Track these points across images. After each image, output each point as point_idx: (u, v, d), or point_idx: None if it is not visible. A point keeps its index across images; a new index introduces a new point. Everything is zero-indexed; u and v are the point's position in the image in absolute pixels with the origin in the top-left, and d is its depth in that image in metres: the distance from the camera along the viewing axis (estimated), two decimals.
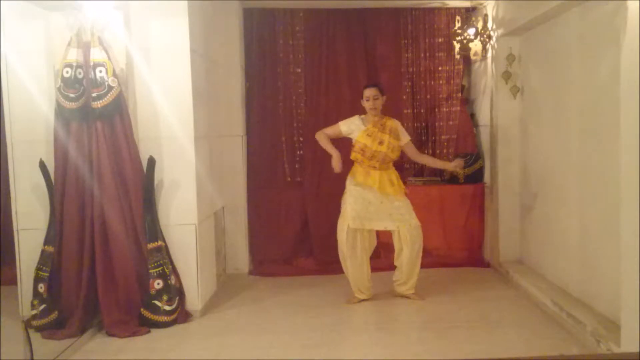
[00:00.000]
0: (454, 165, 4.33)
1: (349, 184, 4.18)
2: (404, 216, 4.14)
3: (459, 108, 5.48)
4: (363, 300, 4.28)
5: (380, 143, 4.08)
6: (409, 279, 4.27)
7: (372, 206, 4.10)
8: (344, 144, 4.30)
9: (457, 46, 5.29)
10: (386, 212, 4.12)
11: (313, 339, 3.64)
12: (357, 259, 4.17)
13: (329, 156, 4.13)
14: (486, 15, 5.08)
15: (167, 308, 3.81)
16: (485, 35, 5.08)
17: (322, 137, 4.21)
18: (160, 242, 3.85)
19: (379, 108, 4.15)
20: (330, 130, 4.24)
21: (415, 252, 4.19)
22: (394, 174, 4.18)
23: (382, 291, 4.46)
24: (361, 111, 4.28)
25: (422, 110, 5.55)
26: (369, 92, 4.14)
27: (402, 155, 5.47)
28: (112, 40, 3.80)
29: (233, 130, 5.13)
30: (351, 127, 4.18)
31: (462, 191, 5.28)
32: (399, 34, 5.45)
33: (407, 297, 4.31)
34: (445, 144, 5.51)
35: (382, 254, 5.18)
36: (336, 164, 4.06)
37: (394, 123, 4.22)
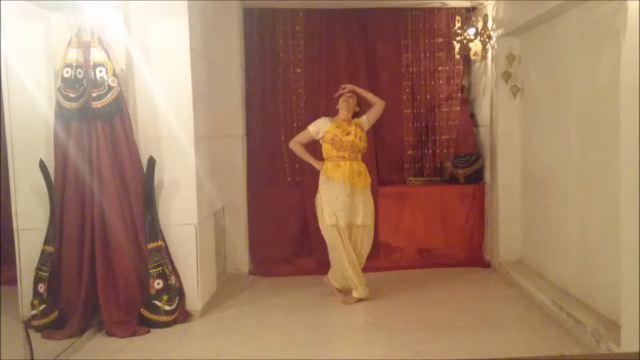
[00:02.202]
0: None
1: (321, 184, 4.23)
2: (367, 212, 4.20)
3: (459, 108, 5.48)
4: (360, 300, 4.27)
5: (348, 134, 4.18)
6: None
7: (347, 201, 4.14)
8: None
9: (457, 46, 5.29)
10: (357, 206, 4.18)
11: (313, 339, 3.64)
12: (350, 254, 4.18)
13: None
14: (486, 15, 5.08)
15: (167, 308, 3.81)
16: (485, 35, 5.08)
17: (297, 147, 4.37)
18: (160, 242, 3.85)
19: (350, 105, 4.27)
20: (300, 137, 4.38)
21: (365, 251, 4.29)
22: (362, 166, 4.26)
23: (382, 291, 4.47)
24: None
25: (422, 110, 5.55)
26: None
27: (401, 155, 5.52)
28: (112, 40, 3.80)
29: (233, 130, 5.13)
30: (318, 125, 4.29)
31: (462, 191, 5.28)
32: (399, 34, 5.45)
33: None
34: (445, 144, 5.52)
35: (382, 254, 5.19)
36: (318, 165, 4.29)
37: (358, 120, 4.31)
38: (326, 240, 4.24)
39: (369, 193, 4.28)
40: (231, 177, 5.12)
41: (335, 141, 4.17)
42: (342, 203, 4.11)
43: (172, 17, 3.89)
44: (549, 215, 4.37)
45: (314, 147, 4.44)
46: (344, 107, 4.27)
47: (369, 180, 4.29)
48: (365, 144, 4.29)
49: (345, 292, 4.36)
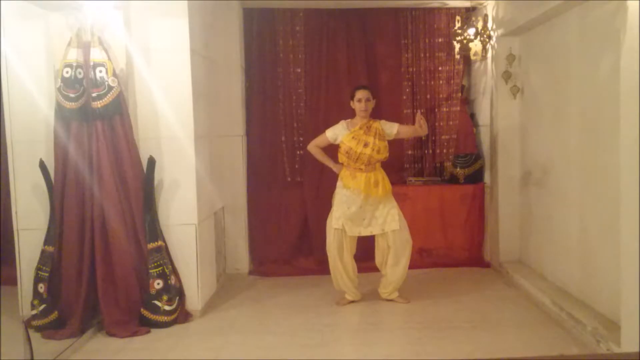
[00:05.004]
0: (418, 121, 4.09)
1: (338, 187, 4.19)
2: (386, 218, 4.09)
3: (459, 108, 5.48)
4: (352, 301, 4.26)
5: (365, 145, 4.06)
6: (390, 283, 4.19)
7: (358, 212, 4.07)
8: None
9: (457, 46, 5.28)
10: (371, 216, 4.09)
11: (313, 339, 3.64)
12: (345, 260, 4.14)
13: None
14: (486, 15, 5.08)
15: (167, 308, 3.81)
16: (485, 35, 5.08)
17: (315, 150, 4.28)
18: (160, 242, 3.85)
19: (369, 110, 4.13)
20: (318, 141, 4.27)
21: (400, 257, 4.10)
22: (380, 175, 4.13)
23: None
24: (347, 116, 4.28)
25: (422, 110, 5.52)
26: (362, 94, 4.11)
27: (401, 155, 5.52)
28: (112, 40, 3.80)
29: (233, 130, 5.13)
30: (336, 132, 4.17)
31: (462, 191, 5.28)
32: (399, 34, 5.45)
33: (392, 300, 4.25)
34: (445, 144, 5.51)
35: None
36: (337, 169, 4.22)
37: (378, 124, 4.15)
38: (327, 237, 4.22)
39: (390, 198, 4.15)
40: (231, 177, 5.13)
41: (351, 154, 4.06)
42: (353, 214, 4.07)
43: (172, 17, 3.89)
44: (549, 215, 4.37)
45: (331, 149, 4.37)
46: (362, 115, 4.10)
47: (388, 187, 4.14)
48: (386, 154, 4.14)
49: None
